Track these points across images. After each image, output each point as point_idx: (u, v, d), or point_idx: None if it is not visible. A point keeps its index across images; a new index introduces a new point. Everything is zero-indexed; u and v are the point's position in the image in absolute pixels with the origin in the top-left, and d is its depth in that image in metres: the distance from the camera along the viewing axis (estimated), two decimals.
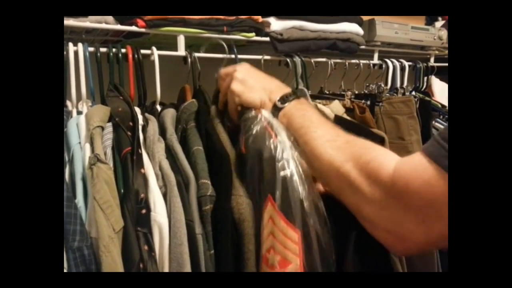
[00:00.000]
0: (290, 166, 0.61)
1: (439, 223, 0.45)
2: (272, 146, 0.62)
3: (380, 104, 1.11)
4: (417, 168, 0.47)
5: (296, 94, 0.68)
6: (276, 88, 0.69)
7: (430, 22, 1.52)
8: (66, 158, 0.60)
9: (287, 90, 0.69)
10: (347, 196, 0.55)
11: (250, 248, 0.63)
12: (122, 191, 0.59)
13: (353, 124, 0.97)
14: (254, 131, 0.65)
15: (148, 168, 0.63)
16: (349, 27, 1.13)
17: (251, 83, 0.70)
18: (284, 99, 0.67)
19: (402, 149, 1.08)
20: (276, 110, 0.66)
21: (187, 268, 0.59)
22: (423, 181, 0.46)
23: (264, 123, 0.65)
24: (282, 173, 0.61)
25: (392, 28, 1.26)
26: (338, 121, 0.97)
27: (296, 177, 0.60)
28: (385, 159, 0.52)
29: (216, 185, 0.65)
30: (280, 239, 0.60)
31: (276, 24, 1.00)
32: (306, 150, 0.61)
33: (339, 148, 0.57)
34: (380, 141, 0.94)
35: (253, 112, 0.68)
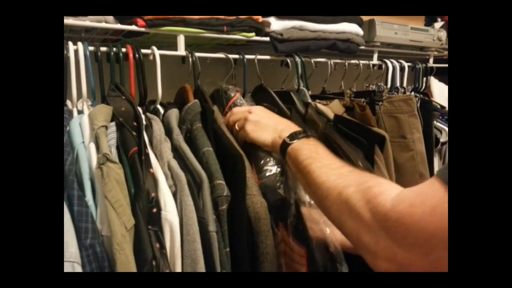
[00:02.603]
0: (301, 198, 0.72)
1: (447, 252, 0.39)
2: (280, 185, 0.72)
3: (380, 103, 1.11)
4: (424, 193, 0.43)
5: (306, 133, 0.71)
6: (286, 127, 0.73)
7: (430, 23, 1.53)
8: (70, 157, 0.60)
9: (297, 128, 0.72)
10: (347, 222, 0.52)
11: (268, 243, 0.67)
12: (133, 190, 0.60)
13: (353, 123, 0.97)
14: (267, 173, 0.73)
15: (157, 168, 0.64)
16: (349, 28, 1.13)
17: (265, 123, 0.75)
18: (293, 136, 0.69)
19: (404, 148, 1.08)
20: (284, 146, 0.69)
21: (201, 264, 0.60)
22: (428, 207, 0.41)
23: (276, 165, 0.74)
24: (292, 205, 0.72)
25: (392, 29, 1.27)
26: (338, 120, 0.97)
27: (301, 207, 0.72)
28: (389, 186, 0.49)
29: (230, 185, 0.67)
30: (292, 256, 0.72)
31: (276, 24, 1.00)
32: (310, 179, 0.61)
33: (343, 175, 0.57)
34: (380, 139, 0.94)
35: (268, 158, 0.75)
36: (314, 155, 0.63)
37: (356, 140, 0.88)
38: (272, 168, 0.73)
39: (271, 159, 0.74)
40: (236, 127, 0.78)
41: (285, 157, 0.69)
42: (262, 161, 0.73)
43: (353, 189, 0.51)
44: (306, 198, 0.73)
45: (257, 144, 0.74)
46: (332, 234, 0.73)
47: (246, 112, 0.77)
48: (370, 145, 0.88)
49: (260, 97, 0.94)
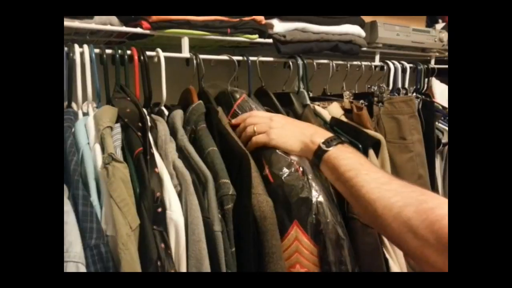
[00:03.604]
0: (319, 198, 0.71)
1: None
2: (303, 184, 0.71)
3: (380, 104, 1.12)
4: None
5: (340, 138, 0.70)
6: (315, 131, 0.73)
7: (431, 24, 1.53)
8: (75, 158, 0.60)
9: (328, 133, 0.71)
10: (408, 241, 0.53)
11: (274, 242, 0.66)
12: (138, 190, 0.60)
13: (349, 126, 0.97)
14: (287, 172, 0.72)
15: (162, 167, 0.64)
16: (351, 29, 1.14)
17: (290, 129, 0.74)
18: (328, 142, 0.69)
19: (404, 149, 1.08)
20: (320, 152, 0.68)
21: (206, 264, 0.60)
22: None
23: (297, 166, 0.73)
24: (314, 202, 0.71)
25: (394, 30, 1.27)
26: (334, 123, 0.98)
27: (321, 206, 0.71)
28: None
29: (236, 184, 0.67)
30: (305, 255, 0.71)
31: (279, 26, 1.01)
32: (357, 193, 0.60)
33: (396, 192, 0.56)
34: (375, 143, 0.94)
35: (289, 159, 0.73)
36: (358, 166, 0.63)
37: (351, 144, 0.89)
38: (293, 168, 0.73)
39: (291, 159, 0.74)
40: (254, 129, 0.77)
41: (319, 163, 0.69)
42: (282, 161, 0.73)
43: (413, 209, 0.52)
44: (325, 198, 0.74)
45: (281, 150, 0.74)
46: None
47: (267, 118, 0.77)
48: (364, 149, 0.88)
49: (260, 99, 0.94)
